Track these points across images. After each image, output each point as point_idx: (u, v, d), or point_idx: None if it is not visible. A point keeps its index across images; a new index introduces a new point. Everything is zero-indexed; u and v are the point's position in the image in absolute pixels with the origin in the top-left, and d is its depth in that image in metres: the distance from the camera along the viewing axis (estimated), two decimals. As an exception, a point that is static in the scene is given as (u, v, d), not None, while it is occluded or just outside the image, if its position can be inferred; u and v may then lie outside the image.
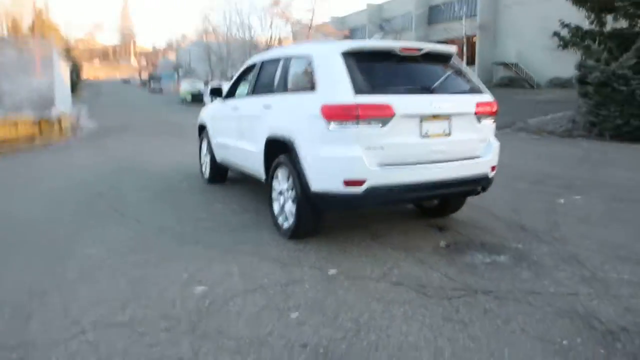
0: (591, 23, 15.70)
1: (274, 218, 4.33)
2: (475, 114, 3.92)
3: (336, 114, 3.51)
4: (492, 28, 32.48)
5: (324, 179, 3.65)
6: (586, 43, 14.81)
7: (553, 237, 4.17)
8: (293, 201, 3.99)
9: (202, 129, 6.67)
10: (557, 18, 26.67)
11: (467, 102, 3.89)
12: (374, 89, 3.57)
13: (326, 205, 3.83)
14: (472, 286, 3.18)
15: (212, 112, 6.19)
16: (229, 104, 5.63)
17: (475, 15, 32.39)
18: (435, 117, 3.73)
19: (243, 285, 3.23)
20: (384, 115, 3.52)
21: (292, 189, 3.97)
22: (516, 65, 30.97)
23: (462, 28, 32.65)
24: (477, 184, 4.03)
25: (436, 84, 3.77)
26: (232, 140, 5.39)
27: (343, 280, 3.32)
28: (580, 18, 16.69)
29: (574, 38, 15.66)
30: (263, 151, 4.42)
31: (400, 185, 3.62)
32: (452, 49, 4.13)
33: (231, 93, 5.76)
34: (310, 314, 2.82)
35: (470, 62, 33.49)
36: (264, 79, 4.90)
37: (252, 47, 37.29)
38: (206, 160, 6.56)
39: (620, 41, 14.20)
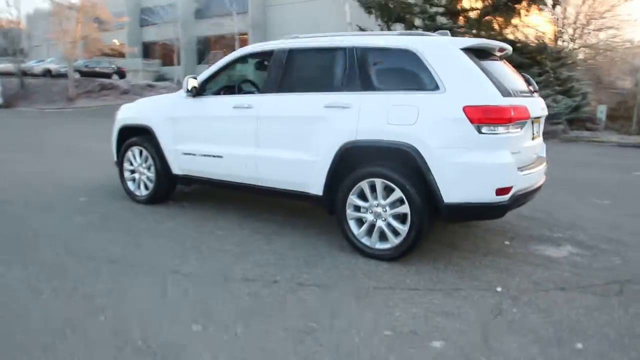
0: (381, 30, 17.94)
1: (354, 241, 3.69)
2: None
3: (487, 117, 3.22)
4: (263, 26, 33.69)
5: (467, 188, 3.31)
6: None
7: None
8: (397, 218, 3.50)
9: (135, 132, 5.08)
10: (325, 19, 29.51)
11: (543, 103, 4.06)
12: (505, 90, 3.40)
13: (461, 218, 3.50)
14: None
15: (169, 111, 4.73)
16: (221, 101, 4.46)
17: (246, 12, 32.98)
18: (537, 119, 3.79)
19: (449, 324, 2.70)
20: (524, 118, 3.41)
21: (394, 204, 3.47)
22: (288, 63, 32.90)
23: (233, 24, 32.84)
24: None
25: (533, 84, 3.82)
26: (230, 146, 4.29)
27: (519, 295, 3.12)
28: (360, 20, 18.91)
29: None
30: (331, 160, 3.69)
31: (525, 190, 3.56)
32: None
33: (213, 88, 4.57)
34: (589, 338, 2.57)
35: (243, 59, 34.05)
36: (302, 73, 4.06)
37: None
38: (145, 174, 5.04)
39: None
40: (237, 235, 4.14)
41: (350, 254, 3.72)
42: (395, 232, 3.54)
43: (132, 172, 5.19)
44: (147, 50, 34.64)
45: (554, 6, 15.66)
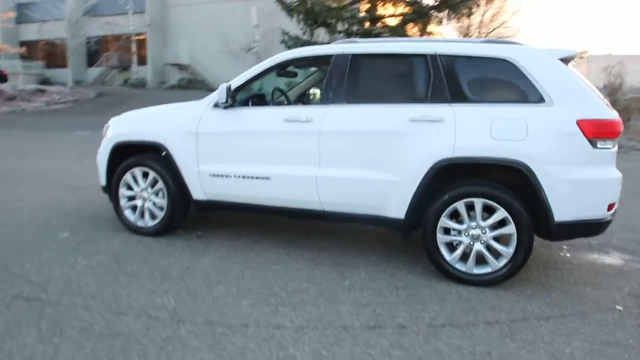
0: (304, 34, 17.71)
1: (447, 267, 3.36)
2: None
3: (602, 131, 3.09)
4: (162, 27, 31.72)
5: (581, 205, 3.14)
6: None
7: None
8: (497, 239, 3.26)
9: (136, 151, 4.23)
10: (230, 21, 28.71)
11: None
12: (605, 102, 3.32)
13: (567, 236, 3.32)
14: None
15: (191, 125, 3.95)
16: (266, 113, 3.85)
17: (144, 11, 30.78)
18: None
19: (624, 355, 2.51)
20: (621, 132, 3.34)
21: (496, 225, 3.22)
22: (191, 67, 31.41)
23: (129, 24, 30.54)
24: None
25: None
26: (281, 166, 3.71)
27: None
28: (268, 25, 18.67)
29: (297, 47, 17.24)
30: (421, 180, 3.32)
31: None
32: None
33: (244, 97, 3.94)
34: None
35: (142, 62, 31.85)
36: (373, 81, 3.62)
37: None
38: (152, 201, 4.22)
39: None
40: (300, 270, 3.58)
41: (441, 282, 3.38)
42: (496, 255, 3.29)
43: (131, 198, 4.32)
44: (27, 51, 30.73)
45: (469, 15, 16.62)
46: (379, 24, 17.35)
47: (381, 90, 3.60)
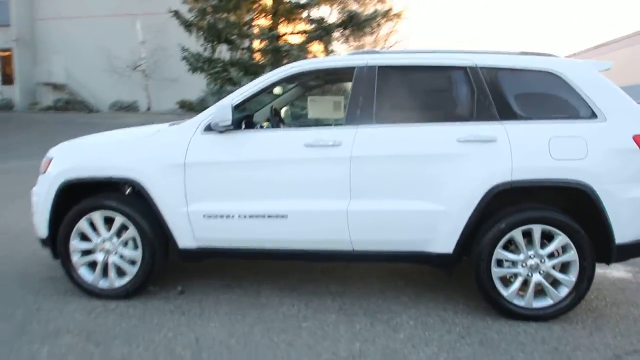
0: (205, 50, 16.74)
1: (504, 303, 3.00)
2: None
3: (653, 145, 2.96)
4: (32, 42, 28.28)
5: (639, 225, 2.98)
6: (217, 69, 15.74)
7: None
8: (560, 268, 3.00)
9: (94, 189, 3.29)
10: (112, 37, 26.69)
11: None
12: None
13: (623, 258, 3.10)
14: None
15: (175, 155, 3.11)
16: (279, 137, 3.18)
17: (8, 24, 27.16)
18: None
19: None
20: None
21: (554, 253, 2.95)
22: (68, 86, 28.37)
23: (-10, 38, 26.80)
24: None
25: None
26: (302, 201, 3.06)
27: None
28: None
29: (199, 64, 16.23)
30: (474, 208, 2.93)
31: None
32: None
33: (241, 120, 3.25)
34: None
35: (7, 81, 28.07)
36: (407, 98, 3.14)
37: None
38: (119, 253, 3.29)
39: (245, 69, 16.00)
40: (336, 324, 2.96)
41: (500, 320, 3.01)
42: (555, 286, 3.00)
43: (88, 252, 3.34)
44: None
45: (372, 34, 17.05)
46: (280, 42, 17.06)
47: (417, 107, 3.14)
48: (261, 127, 3.84)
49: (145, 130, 3.52)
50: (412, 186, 2.99)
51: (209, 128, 3.17)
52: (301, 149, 3.06)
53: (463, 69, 3.08)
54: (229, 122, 3.02)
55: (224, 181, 3.14)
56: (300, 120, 3.88)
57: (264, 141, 3.18)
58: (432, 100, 3.16)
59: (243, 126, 3.43)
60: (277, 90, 4.28)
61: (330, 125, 3.80)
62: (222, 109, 3.02)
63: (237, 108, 3.20)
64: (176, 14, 16.41)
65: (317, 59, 3.41)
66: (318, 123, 4.17)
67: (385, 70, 3.13)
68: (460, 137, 2.96)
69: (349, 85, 3.35)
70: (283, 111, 3.83)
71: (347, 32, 16.39)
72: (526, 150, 2.92)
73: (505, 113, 3.00)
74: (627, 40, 23.02)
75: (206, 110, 3.28)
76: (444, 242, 3.01)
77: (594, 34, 75.21)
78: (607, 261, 3.06)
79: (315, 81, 3.91)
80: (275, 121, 3.68)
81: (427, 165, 2.97)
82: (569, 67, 3.06)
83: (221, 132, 3.15)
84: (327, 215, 3.06)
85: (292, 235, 3.13)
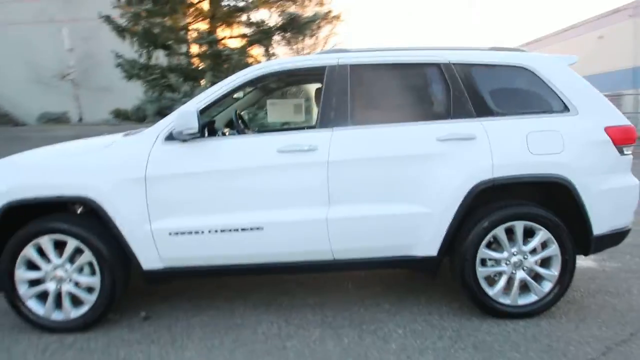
0: (140, 56, 15.97)
1: (492, 304, 2.95)
2: None
3: (627, 137, 3.01)
4: (-57, 52, 25.94)
5: (615, 215, 3.01)
6: (155, 75, 15.10)
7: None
8: (541, 263, 2.97)
9: (41, 211, 2.92)
10: (38, 44, 25.17)
11: None
12: None
13: (598, 249, 3.12)
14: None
15: (134, 168, 2.80)
16: (250, 144, 2.94)
17: None
18: None
19: None
20: None
21: (536, 249, 2.94)
22: (-13, 99, 26.26)
23: None
24: None
25: None
26: (278, 211, 2.85)
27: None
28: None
29: (135, 70, 15.46)
30: (458, 208, 2.86)
31: None
32: None
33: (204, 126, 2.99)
34: None
35: None
36: (382, 97, 3.01)
37: None
38: (73, 280, 2.93)
39: (184, 74, 15.43)
40: (322, 340, 2.78)
41: (488, 320, 2.96)
42: (539, 281, 2.99)
43: (36, 282, 2.96)
44: None
45: (312, 36, 17.01)
46: (220, 46, 16.63)
47: (392, 106, 3.03)
48: (223, 133, 3.60)
49: (97, 142, 3.17)
50: (393, 189, 2.87)
51: (170, 137, 2.90)
52: (274, 155, 2.86)
53: (437, 65, 3.00)
54: (195, 130, 2.76)
55: (191, 194, 2.87)
56: (270, 125, 3.64)
57: (233, 148, 2.95)
58: (407, 98, 3.06)
59: (206, 133, 3.17)
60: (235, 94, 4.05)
61: (303, 128, 3.62)
62: (185, 115, 2.77)
63: (201, 114, 2.95)
64: (107, 19, 15.56)
65: (285, 59, 3.21)
66: (290, 127, 3.97)
67: (358, 69, 2.99)
68: (439, 135, 2.87)
69: (310, 87, 3.19)
70: (247, 116, 3.59)
71: (287, 34, 16.23)
72: (506, 146, 2.88)
73: (482, 110, 2.95)
74: (573, 31, 22.85)
75: (166, 118, 3.00)
76: (429, 244, 2.92)
77: (529, 28, 78.68)
78: (585, 253, 3.09)
79: (283, 82, 3.71)
80: (240, 127, 3.44)
81: (408, 167, 2.86)
82: (540, 61, 3.06)
83: (184, 140, 2.88)
84: (305, 225, 2.88)
85: (269, 249, 2.92)
